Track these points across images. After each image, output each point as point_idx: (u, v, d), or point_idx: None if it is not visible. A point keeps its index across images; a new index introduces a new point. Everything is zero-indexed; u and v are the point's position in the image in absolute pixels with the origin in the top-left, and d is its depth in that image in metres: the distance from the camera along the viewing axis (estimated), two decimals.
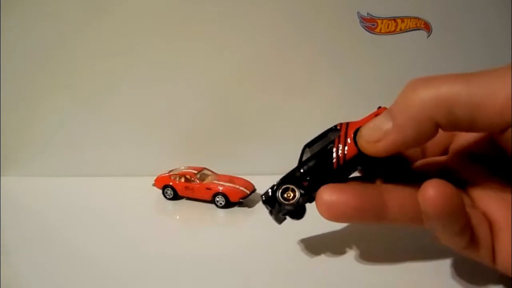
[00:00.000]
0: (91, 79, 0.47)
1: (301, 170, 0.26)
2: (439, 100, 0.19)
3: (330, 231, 0.34)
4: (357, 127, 0.24)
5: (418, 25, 0.43)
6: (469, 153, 0.25)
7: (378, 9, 0.42)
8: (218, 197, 0.39)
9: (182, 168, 0.43)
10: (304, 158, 0.26)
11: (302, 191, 0.26)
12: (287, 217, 0.28)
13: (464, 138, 0.26)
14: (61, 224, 0.37)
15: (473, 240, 0.21)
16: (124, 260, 0.30)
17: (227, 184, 0.39)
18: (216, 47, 0.45)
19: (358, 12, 0.42)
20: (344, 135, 0.24)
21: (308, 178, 0.25)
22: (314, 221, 0.36)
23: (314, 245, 0.31)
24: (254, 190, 0.40)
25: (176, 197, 0.41)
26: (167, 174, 0.42)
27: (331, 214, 0.24)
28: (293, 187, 0.26)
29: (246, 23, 0.44)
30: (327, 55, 0.44)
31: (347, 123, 0.25)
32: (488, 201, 0.22)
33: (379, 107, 0.25)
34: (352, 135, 0.24)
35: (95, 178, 0.48)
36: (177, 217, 0.40)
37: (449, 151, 0.27)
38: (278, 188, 0.26)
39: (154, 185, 0.42)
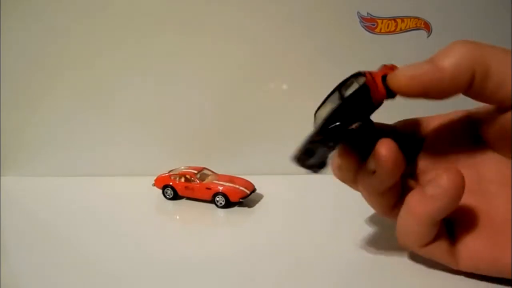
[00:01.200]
0: (91, 79, 0.47)
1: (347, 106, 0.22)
2: (482, 55, 0.20)
3: (331, 231, 0.34)
4: (381, 74, 0.23)
5: (418, 25, 0.43)
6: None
7: (378, 9, 0.42)
8: (218, 197, 0.39)
9: (182, 168, 0.43)
10: (344, 93, 0.23)
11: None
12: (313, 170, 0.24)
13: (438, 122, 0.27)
14: (61, 224, 0.37)
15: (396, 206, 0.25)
16: (124, 260, 0.30)
17: (227, 184, 0.39)
18: (216, 47, 0.45)
19: (358, 12, 0.42)
20: (372, 78, 0.23)
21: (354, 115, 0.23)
22: (314, 221, 0.36)
23: (315, 245, 0.31)
24: (254, 190, 0.40)
25: (176, 197, 0.41)
26: (167, 174, 0.42)
27: None
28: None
29: (247, 23, 0.44)
30: (328, 55, 0.44)
31: (369, 72, 0.24)
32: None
33: (384, 65, 0.24)
34: (381, 78, 0.23)
35: (95, 178, 0.48)
36: (177, 217, 0.40)
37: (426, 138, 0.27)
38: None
39: (154, 185, 0.42)
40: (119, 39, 0.45)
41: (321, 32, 0.43)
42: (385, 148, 0.22)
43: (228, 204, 0.39)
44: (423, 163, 0.26)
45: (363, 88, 0.22)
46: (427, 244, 0.24)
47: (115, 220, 0.38)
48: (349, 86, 0.23)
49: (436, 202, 0.22)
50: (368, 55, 0.44)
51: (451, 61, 0.21)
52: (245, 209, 0.39)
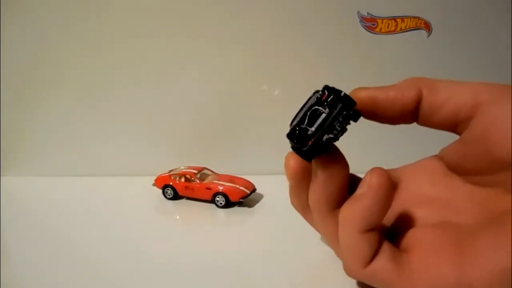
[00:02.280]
0: (91, 79, 0.47)
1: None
2: (428, 80, 0.23)
3: None
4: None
5: (418, 24, 0.43)
6: None
7: (378, 9, 0.42)
8: (218, 197, 0.39)
9: (182, 168, 0.43)
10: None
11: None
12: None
13: None
14: (61, 224, 0.37)
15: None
16: (124, 260, 0.30)
17: (227, 184, 0.39)
18: (216, 47, 0.45)
19: (358, 12, 0.42)
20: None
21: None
22: None
23: (315, 245, 0.31)
24: (254, 190, 0.40)
25: (176, 197, 0.41)
26: (167, 174, 0.42)
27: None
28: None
29: (247, 23, 0.44)
30: (328, 54, 0.44)
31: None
32: None
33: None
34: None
35: (95, 178, 0.48)
36: (177, 217, 0.40)
37: None
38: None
39: (154, 185, 0.42)
40: (119, 39, 0.45)
41: (321, 32, 0.43)
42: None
43: (228, 204, 0.39)
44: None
45: (346, 96, 0.21)
46: (369, 262, 0.22)
47: (115, 220, 0.38)
48: (329, 98, 0.21)
49: (364, 200, 0.21)
50: (368, 55, 0.44)
51: (396, 85, 0.23)
52: (245, 209, 0.39)
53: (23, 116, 0.49)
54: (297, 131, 0.20)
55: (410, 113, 0.22)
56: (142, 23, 0.44)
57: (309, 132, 0.20)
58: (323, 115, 0.20)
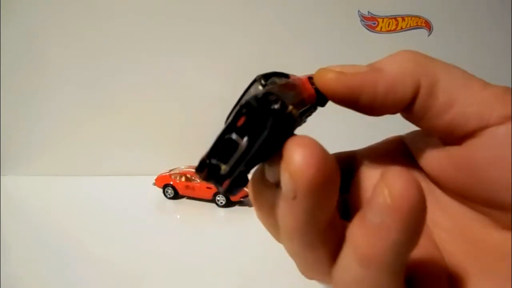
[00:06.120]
0: (91, 79, 0.47)
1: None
2: (431, 66, 0.16)
3: None
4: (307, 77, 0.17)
5: (419, 23, 0.43)
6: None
7: (379, 8, 0.42)
8: (218, 196, 0.39)
9: (183, 167, 0.43)
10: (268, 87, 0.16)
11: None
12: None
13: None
14: (61, 224, 0.37)
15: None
16: (125, 259, 0.30)
17: None
18: (217, 47, 0.45)
19: (358, 11, 0.42)
20: (298, 78, 0.17)
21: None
22: None
23: None
24: None
25: (176, 196, 0.41)
26: (167, 173, 0.42)
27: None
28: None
29: (247, 22, 0.44)
30: (328, 53, 0.44)
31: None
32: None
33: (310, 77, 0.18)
34: (308, 79, 0.17)
35: (95, 178, 0.48)
36: (178, 216, 0.40)
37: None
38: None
39: (154, 184, 0.42)
40: (120, 40, 0.45)
41: (322, 30, 0.43)
42: (301, 151, 0.12)
43: (229, 203, 0.39)
44: (356, 198, 0.18)
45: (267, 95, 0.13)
46: None
47: (116, 219, 0.38)
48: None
49: (391, 234, 0.12)
50: (368, 54, 0.44)
51: (393, 65, 0.16)
52: (246, 208, 0.39)
53: (23, 116, 0.49)
54: (207, 167, 0.13)
55: (397, 110, 0.17)
56: (142, 25, 0.44)
57: (222, 172, 0.13)
58: (241, 148, 0.13)
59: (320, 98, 0.17)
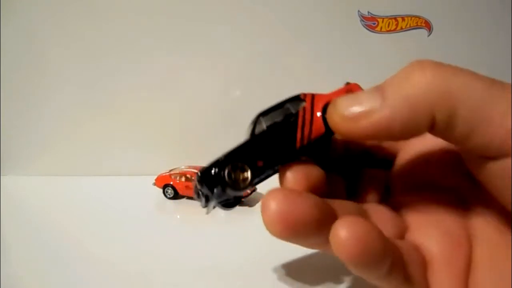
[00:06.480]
0: (91, 79, 0.47)
1: (256, 146, 0.19)
2: (447, 92, 0.15)
3: None
4: (326, 101, 0.18)
5: (419, 23, 0.43)
6: (417, 169, 0.20)
7: (378, 8, 0.42)
8: None
9: (183, 167, 0.43)
10: (258, 130, 0.20)
11: (255, 173, 0.19)
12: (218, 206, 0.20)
13: (417, 148, 0.20)
14: (61, 224, 0.37)
15: (407, 278, 0.17)
16: (125, 259, 0.30)
17: None
18: (217, 47, 0.45)
19: (358, 11, 0.42)
20: (311, 108, 0.18)
21: (263, 156, 0.19)
22: None
23: None
24: (254, 190, 0.40)
25: (176, 196, 0.41)
26: (167, 173, 0.42)
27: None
28: (245, 166, 0.19)
29: (247, 22, 0.44)
30: (328, 54, 0.44)
31: (313, 95, 0.19)
32: (427, 230, 0.18)
33: (348, 83, 0.19)
34: (322, 109, 0.18)
35: (95, 178, 0.48)
36: (178, 216, 0.40)
37: (396, 162, 0.21)
38: (225, 165, 0.18)
39: (154, 184, 0.42)
40: (120, 40, 0.45)
41: (322, 31, 0.43)
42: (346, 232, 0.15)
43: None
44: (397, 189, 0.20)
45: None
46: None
47: (116, 219, 0.38)
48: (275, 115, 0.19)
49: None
50: (368, 54, 0.44)
51: (405, 98, 0.15)
52: (246, 208, 0.39)
53: (23, 116, 0.49)
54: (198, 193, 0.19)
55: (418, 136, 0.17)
56: (142, 25, 0.44)
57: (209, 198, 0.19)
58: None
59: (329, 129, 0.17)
